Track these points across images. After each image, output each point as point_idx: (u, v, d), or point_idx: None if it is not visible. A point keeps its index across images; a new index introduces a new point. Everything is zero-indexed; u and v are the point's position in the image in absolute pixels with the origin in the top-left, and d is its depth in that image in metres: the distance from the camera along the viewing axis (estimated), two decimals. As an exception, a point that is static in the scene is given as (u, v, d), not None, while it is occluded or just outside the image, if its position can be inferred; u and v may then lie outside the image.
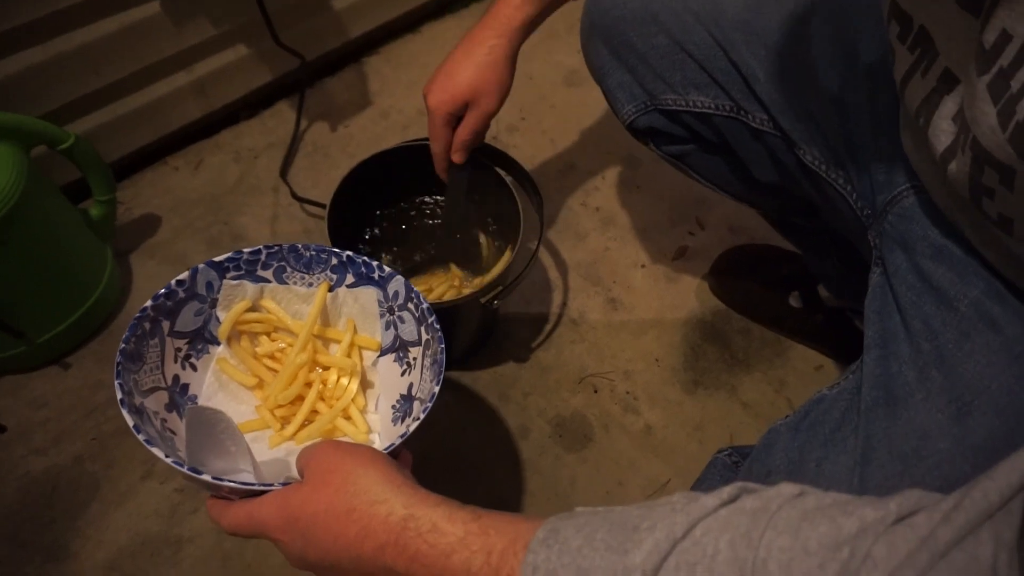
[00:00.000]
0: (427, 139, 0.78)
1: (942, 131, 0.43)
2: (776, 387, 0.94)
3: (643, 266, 1.04)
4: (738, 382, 0.95)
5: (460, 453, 0.87)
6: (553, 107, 1.21)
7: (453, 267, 0.88)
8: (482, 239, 0.91)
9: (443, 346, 0.57)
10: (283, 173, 1.07)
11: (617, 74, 0.70)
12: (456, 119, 0.73)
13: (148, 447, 0.47)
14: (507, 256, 0.84)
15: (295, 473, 0.47)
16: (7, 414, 0.87)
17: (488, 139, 1.13)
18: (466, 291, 0.84)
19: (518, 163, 0.84)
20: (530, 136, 1.16)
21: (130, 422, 0.49)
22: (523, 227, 0.80)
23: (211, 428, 0.51)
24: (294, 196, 1.04)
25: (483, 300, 0.78)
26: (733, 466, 0.62)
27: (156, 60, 0.96)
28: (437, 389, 0.54)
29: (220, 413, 0.51)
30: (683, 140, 0.72)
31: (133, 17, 0.91)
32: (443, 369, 0.56)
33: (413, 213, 0.92)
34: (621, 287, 1.02)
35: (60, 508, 0.82)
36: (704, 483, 0.64)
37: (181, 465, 0.47)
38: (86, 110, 0.95)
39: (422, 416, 0.52)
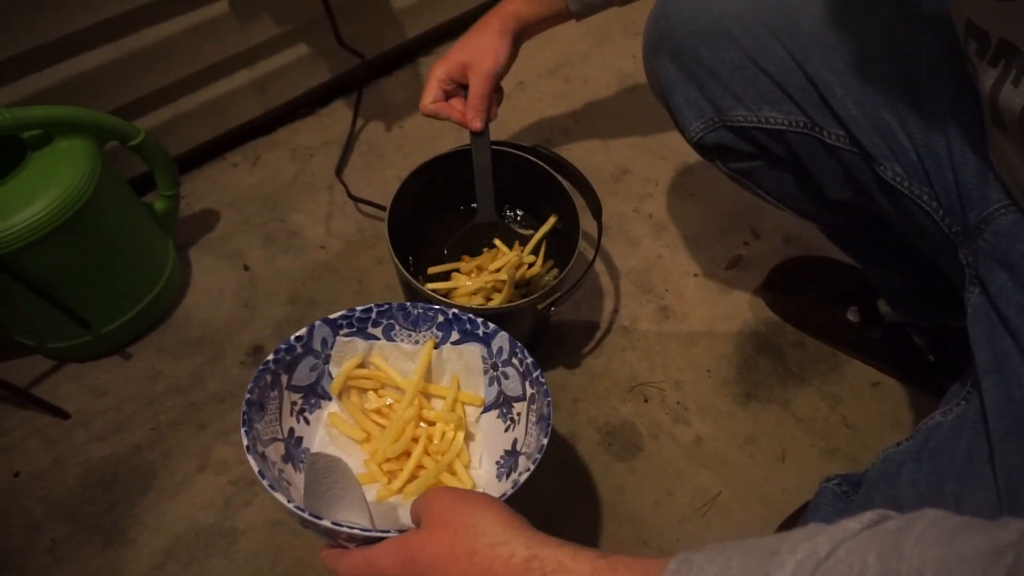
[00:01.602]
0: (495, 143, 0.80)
1: None
2: (831, 403, 0.93)
3: (695, 275, 1.03)
4: (791, 396, 0.93)
5: (509, 457, 0.87)
6: (608, 111, 1.20)
7: (498, 243, 0.87)
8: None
9: (549, 399, 0.58)
10: (338, 171, 1.09)
11: (685, 90, 0.70)
12: (456, 86, 0.76)
13: (272, 492, 0.50)
14: (551, 222, 0.85)
15: (407, 523, 0.48)
16: (70, 401, 0.90)
17: (541, 141, 1.14)
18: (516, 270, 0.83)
19: (573, 166, 0.84)
20: (584, 140, 1.16)
21: (256, 468, 0.52)
22: (580, 229, 0.80)
23: (329, 475, 0.52)
24: (349, 195, 1.05)
25: (539, 306, 0.77)
26: (843, 495, 0.61)
27: (221, 58, 0.98)
28: (545, 441, 0.55)
29: (338, 460, 0.53)
30: (750, 157, 0.71)
31: (203, 16, 0.92)
32: (551, 423, 0.57)
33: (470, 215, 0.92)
34: (673, 296, 1.01)
35: (119, 494, 0.84)
36: (817, 514, 0.63)
37: (303, 511, 0.48)
38: (153, 106, 0.98)
39: (532, 468, 0.53)
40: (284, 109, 1.13)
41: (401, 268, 0.74)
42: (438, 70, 0.75)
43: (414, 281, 0.73)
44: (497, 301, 0.79)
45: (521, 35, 0.77)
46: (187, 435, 0.88)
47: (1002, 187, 0.52)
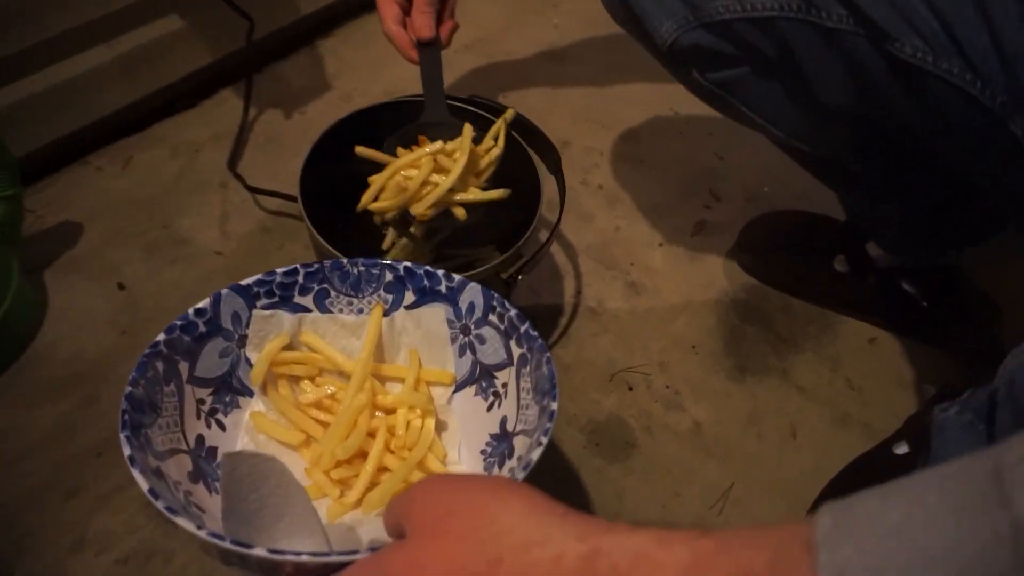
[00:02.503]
0: (412, 96, 0.67)
1: None
2: (831, 366, 0.82)
3: (660, 245, 0.91)
4: (789, 365, 0.82)
5: (480, 475, 0.71)
6: (536, 83, 1.09)
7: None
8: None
9: (548, 355, 0.45)
10: (231, 165, 0.91)
11: None
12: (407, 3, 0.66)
13: (172, 517, 0.36)
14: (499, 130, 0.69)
15: (379, 541, 0.35)
16: None
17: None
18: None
19: (518, 112, 0.71)
20: (515, 114, 1.03)
21: (144, 485, 0.38)
22: (540, 182, 0.67)
23: (258, 484, 0.38)
24: (248, 188, 0.87)
25: (504, 274, 0.63)
26: (969, 426, 0.53)
27: (68, 26, 0.79)
28: (555, 407, 0.42)
29: (270, 460, 0.38)
30: (733, 62, 0.60)
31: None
32: (555, 382, 0.43)
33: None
34: (640, 269, 0.89)
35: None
36: (946, 450, 0.55)
37: (222, 539, 0.34)
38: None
39: (544, 441, 0.40)
40: (159, 99, 0.95)
41: (314, 231, 0.58)
42: None
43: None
44: (447, 183, 0.62)
45: None
46: (54, 505, 0.66)
47: None
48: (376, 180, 0.65)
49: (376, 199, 0.64)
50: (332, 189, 0.68)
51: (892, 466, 0.69)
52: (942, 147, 0.56)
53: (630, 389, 0.79)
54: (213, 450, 0.47)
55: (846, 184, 0.75)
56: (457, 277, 0.51)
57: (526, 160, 0.71)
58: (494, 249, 0.75)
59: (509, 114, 0.70)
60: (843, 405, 0.79)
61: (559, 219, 0.67)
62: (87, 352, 0.76)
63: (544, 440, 0.41)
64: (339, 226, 0.68)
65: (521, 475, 0.40)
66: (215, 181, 0.91)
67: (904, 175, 0.68)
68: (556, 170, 0.70)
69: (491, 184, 0.66)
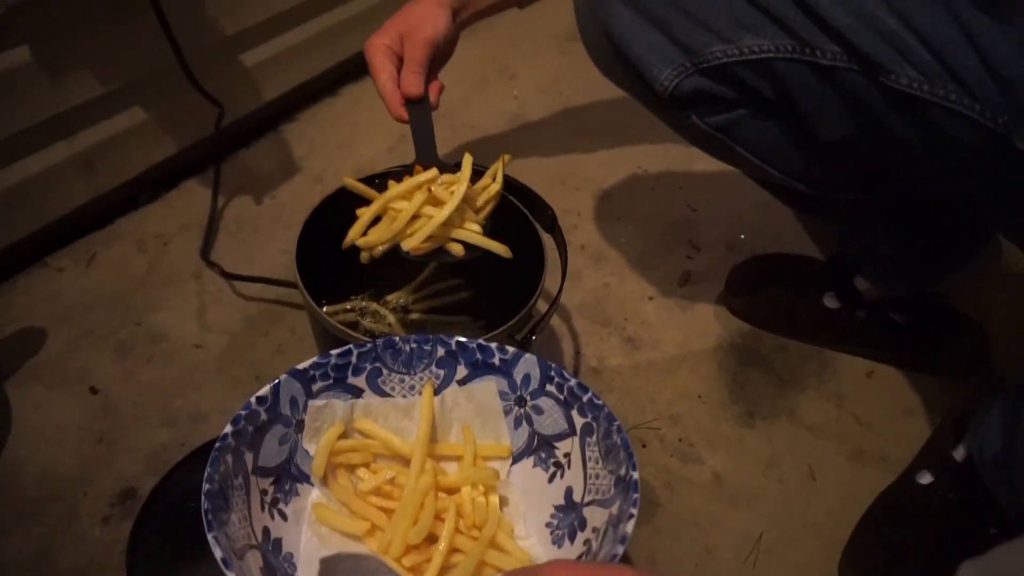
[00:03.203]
0: (401, 166, 0.65)
1: None
2: (836, 402, 0.82)
3: (651, 298, 0.91)
4: (795, 404, 0.81)
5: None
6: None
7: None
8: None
9: (618, 424, 0.44)
10: (204, 254, 0.87)
11: (645, 36, 0.59)
12: (396, 57, 0.67)
13: None
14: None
15: None
16: None
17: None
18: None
19: (509, 176, 0.71)
20: (488, 183, 1.03)
21: None
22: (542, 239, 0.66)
23: None
24: (226, 276, 0.84)
25: (518, 336, 0.61)
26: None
27: (27, 125, 0.76)
28: (636, 475, 0.42)
29: (369, 559, 0.39)
30: (731, 105, 0.61)
31: (-4, 67, 0.71)
32: (631, 451, 0.43)
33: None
34: (635, 324, 0.88)
35: None
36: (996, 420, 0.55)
37: None
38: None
39: (635, 511, 0.40)
40: (121, 194, 0.91)
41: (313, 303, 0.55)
42: (377, 40, 0.66)
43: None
44: (444, 213, 0.58)
45: (460, 10, 0.69)
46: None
47: None
48: (364, 213, 0.61)
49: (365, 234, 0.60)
50: (325, 269, 0.66)
51: (920, 497, 0.68)
52: (942, 170, 0.58)
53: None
54: (279, 542, 0.45)
55: (838, 219, 0.77)
56: (511, 350, 0.50)
57: (522, 218, 0.70)
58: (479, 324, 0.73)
59: (507, 158, 0.69)
60: (855, 440, 0.79)
61: (564, 272, 0.66)
62: (61, 466, 0.69)
63: (634, 511, 0.40)
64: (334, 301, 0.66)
65: (620, 550, 0.39)
66: (188, 272, 0.87)
67: (898, 206, 0.70)
68: (552, 226, 0.69)
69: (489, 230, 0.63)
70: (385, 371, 0.50)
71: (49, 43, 0.74)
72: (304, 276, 0.63)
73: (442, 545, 0.43)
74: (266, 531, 0.44)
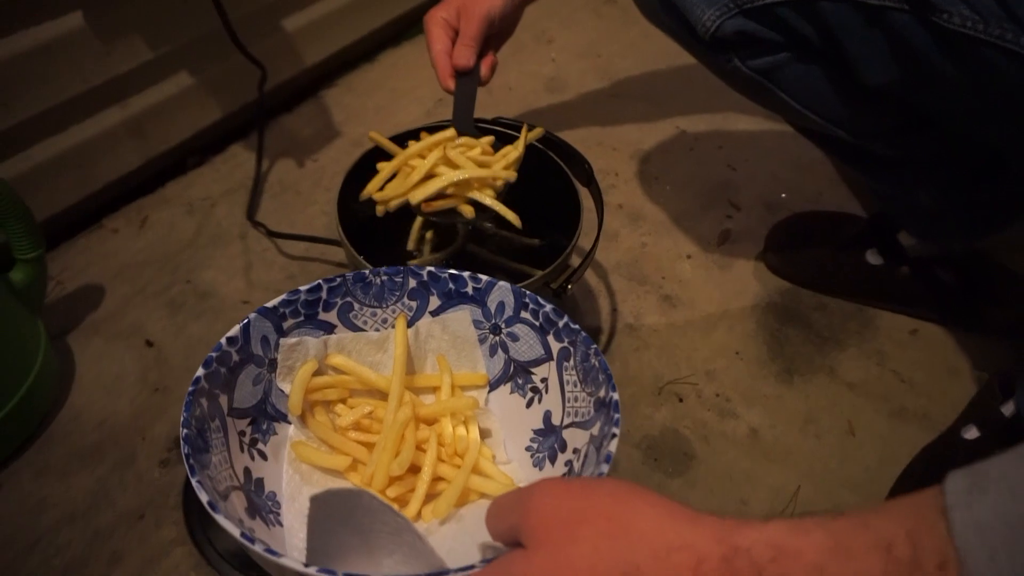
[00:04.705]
0: (443, 121, 0.67)
1: None
2: (877, 360, 0.81)
3: (689, 257, 0.91)
4: (835, 363, 0.81)
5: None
6: (541, 114, 1.10)
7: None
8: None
9: (595, 347, 0.44)
10: (250, 215, 0.90)
11: None
12: (452, 30, 0.68)
13: (276, 559, 0.33)
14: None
15: (455, 547, 0.36)
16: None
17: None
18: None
19: (547, 130, 0.71)
20: (525, 145, 1.04)
21: (235, 532, 0.35)
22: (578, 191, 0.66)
23: (347, 516, 0.37)
24: (272, 234, 0.86)
25: (554, 285, 0.62)
26: None
27: (82, 90, 0.79)
28: (616, 395, 0.41)
29: (361, 494, 0.37)
30: (774, 48, 0.60)
31: (50, 32, 0.73)
32: (609, 373, 0.42)
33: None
34: (672, 282, 0.88)
35: None
36: None
37: (333, 574, 0.31)
38: (-6, 158, 0.76)
39: (616, 430, 0.39)
40: (170, 158, 0.94)
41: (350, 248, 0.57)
42: (435, 13, 0.68)
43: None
44: (454, 175, 0.59)
45: None
46: (99, 574, 0.62)
47: None
48: (384, 167, 0.64)
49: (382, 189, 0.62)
50: (364, 224, 0.67)
51: (964, 451, 0.67)
52: (991, 115, 0.56)
53: (680, 400, 0.77)
54: (260, 481, 0.45)
55: (880, 171, 0.75)
56: (484, 278, 0.50)
57: (558, 171, 0.70)
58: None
59: (538, 130, 0.69)
60: (897, 398, 0.78)
61: (600, 224, 0.66)
62: (119, 413, 0.73)
63: (616, 430, 0.40)
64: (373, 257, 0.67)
65: (605, 468, 0.39)
66: (234, 233, 0.90)
67: (941, 156, 0.68)
68: (589, 180, 0.70)
69: (515, 193, 0.64)
70: (356, 305, 0.50)
71: (101, 8, 0.76)
72: (347, 218, 0.65)
73: (425, 474, 0.44)
74: (247, 472, 0.44)
